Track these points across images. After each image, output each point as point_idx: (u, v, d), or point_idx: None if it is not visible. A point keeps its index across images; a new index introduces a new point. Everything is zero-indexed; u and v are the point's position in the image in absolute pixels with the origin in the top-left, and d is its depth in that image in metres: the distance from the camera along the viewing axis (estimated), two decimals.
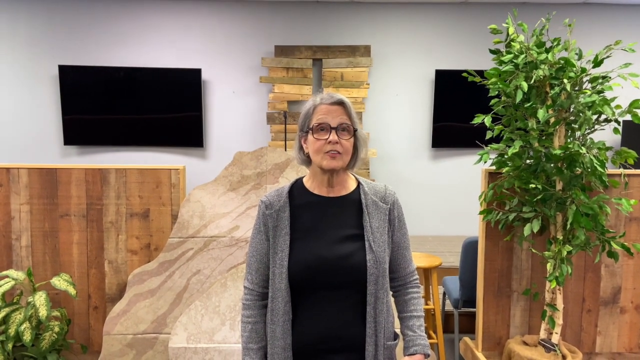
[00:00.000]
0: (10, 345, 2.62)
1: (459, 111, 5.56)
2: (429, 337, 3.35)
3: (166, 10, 5.53)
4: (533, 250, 2.74)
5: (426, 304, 3.39)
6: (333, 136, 1.42)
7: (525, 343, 2.76)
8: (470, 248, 3.29)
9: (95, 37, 5.53)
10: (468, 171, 5.66)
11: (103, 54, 5.55)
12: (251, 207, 3.00)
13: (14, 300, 2.81)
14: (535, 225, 2.53)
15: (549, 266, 2.55)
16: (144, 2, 5.52)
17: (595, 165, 2.42)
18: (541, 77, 2.49)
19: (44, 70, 5.52)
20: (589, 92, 2.46)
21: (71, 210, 3.05)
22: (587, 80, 2.55)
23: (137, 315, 2.90)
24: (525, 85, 2.45)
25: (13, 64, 5.53)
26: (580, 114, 2.52)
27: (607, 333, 2.95)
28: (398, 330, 1.61)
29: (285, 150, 4.85)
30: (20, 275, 2.76)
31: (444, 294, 3.73)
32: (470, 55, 5.60)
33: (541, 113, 2.45)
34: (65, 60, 5.50)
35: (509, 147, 2.61)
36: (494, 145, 2.70)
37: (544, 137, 2.60)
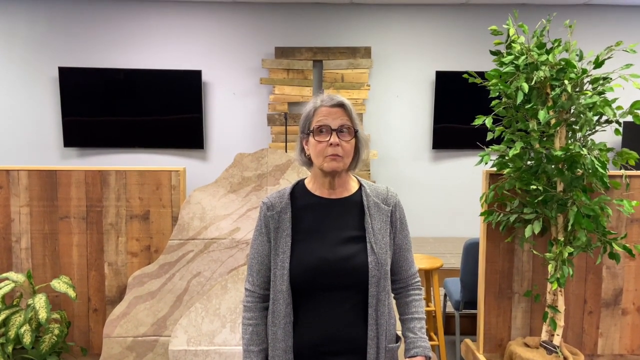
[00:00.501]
0: (10, 348, 2.61)
1: (459, 112, 5.56)
2: (430, 339, 3.34)
3: (166, 12, 5.53)
4: (534, 252, 2.74)
5: (427, 306, 3.38)
6: (334, 138, 1.42)
7: (526, 345, 2.75)
8: (471, 249, 3.29)
9: (95, 38, 5.53)
10: (469, 172, 5.66)
11: (103, 56, 5.55)
12: (252, 208, 2.99)
13: (14, 303, 2.80)
14: (537, 227, 2.53)
15: (550, 268, 2.54)
16: (145, 3, 5.52)
17: (597, 166, 2.41)
18: (542, 78, 2.49)
19: (43, 72, 5.52)
20: (589, 93, 2.45)
21: (71, 212, 3.04)
22: (587, 81, 2.54)
23: (137, 318, 2.89)
24: (525, 87, 2.44)
25: (13, 66, 5.53)
26: (581, 115, 2.51)
27: (609, 335, 2.94)
28: (400, 333, 1.60)
29: (286, 151, 4.85)
30: (20, 277, 2.76)
31: (445, 295, 3.72)
32: (471, 57, 5.60)
33: (542, 114, 2.45)
34: (65, 62, 5.50)
35: (510, 148, 2.60)
36: (495, 147, 2.69)
37: (544, 139, 2.59)
